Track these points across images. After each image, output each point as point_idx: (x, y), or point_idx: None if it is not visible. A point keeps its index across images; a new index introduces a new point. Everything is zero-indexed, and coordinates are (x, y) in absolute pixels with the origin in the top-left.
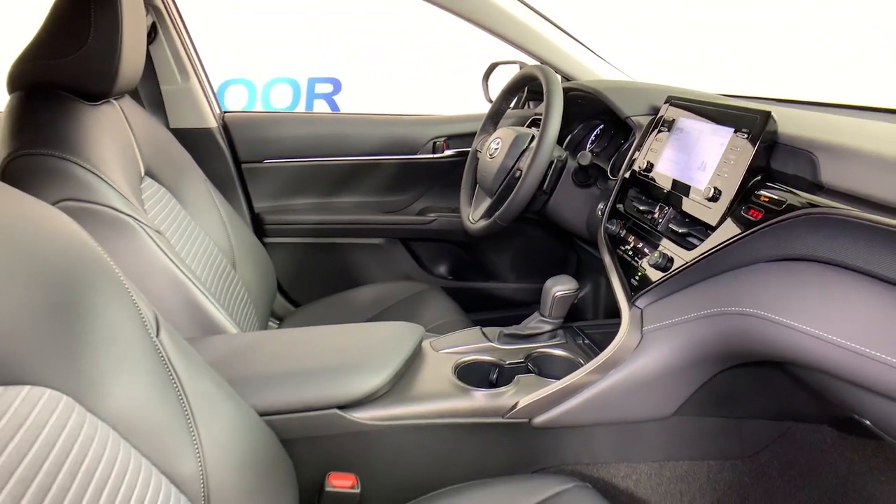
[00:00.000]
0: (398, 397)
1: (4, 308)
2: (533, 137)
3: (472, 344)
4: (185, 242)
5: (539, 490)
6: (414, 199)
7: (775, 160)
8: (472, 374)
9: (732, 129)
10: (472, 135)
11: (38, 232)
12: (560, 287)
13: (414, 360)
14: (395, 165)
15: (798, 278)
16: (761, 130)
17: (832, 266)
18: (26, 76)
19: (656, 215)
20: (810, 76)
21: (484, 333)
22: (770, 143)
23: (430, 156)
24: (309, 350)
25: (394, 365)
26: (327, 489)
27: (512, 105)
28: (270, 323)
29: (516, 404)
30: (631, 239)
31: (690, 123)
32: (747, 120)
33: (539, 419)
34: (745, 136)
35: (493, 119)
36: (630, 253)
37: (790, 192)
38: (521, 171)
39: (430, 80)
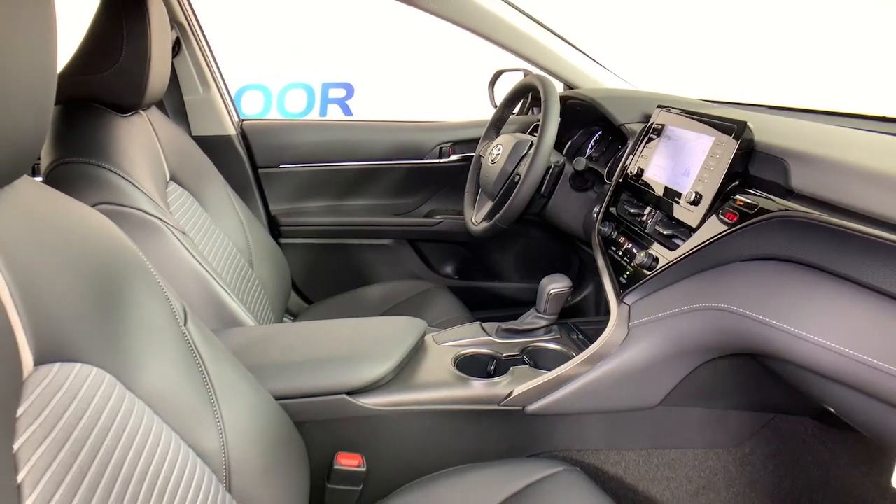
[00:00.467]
0: (402, 385)
1: (59, 297)
2: (532, 143)
3: (472, 338)
4: (207, 242)
5: (530, 472)
6: (421, 201)
7: (753, 166)
8: (471, 366)
9: (713, 137)
10: (476, 140)
11: (83, 232)
12: (554, 285)
13: (417, 352)
14: (404, 170)
15: (768, 277)
16: (738, 139)
17: (800, 265)
18: (66, 91)
19: (645, 218)
20: (813, 79)
21: (483, 328)
22: (746, 150)
23: (437, 160)
24: (320, 341)
25: (398, 355)
26: (336, 467)
27: (516, 111)
28: (285, 319)
29: (511, 393)
30: (622, 240)
31: (677, 131)
32: (726, 128)
33: (532, 407)
34: (724, 143)
35: (496, 125)
36: (620, 253)
37: (764, 196)
38: (520, 175)
39: (440, 85)
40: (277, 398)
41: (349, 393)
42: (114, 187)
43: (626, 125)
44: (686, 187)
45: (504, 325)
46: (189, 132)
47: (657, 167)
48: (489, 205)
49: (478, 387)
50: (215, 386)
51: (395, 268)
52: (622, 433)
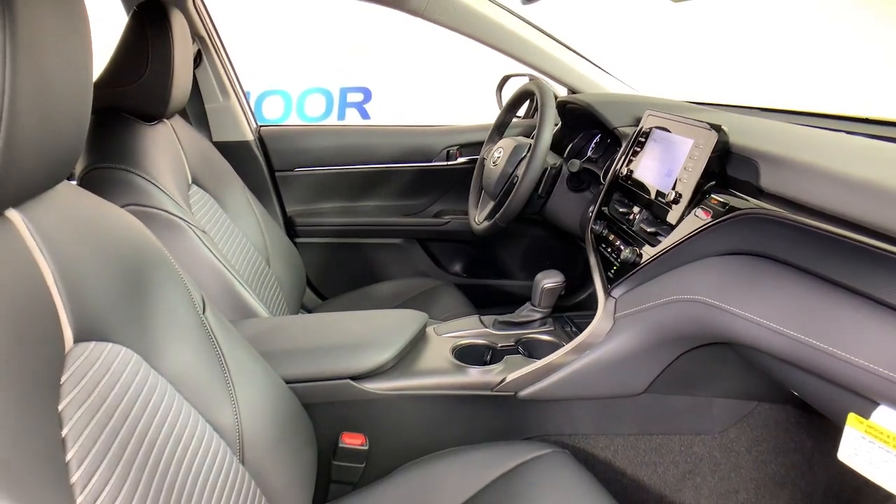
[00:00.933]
0: (403, 371)
1: (95, 285)
2: (530, 147)
3: (470, 329)
4: (227, 241)
5: (520, 454)
6: (430, 202)
7: (729, 167)
8: (468, 355)
9: (692, 140)
10: (482, 143)
11: (115, 230)
12: (548, 280)
13: (418, 342)
14: (413, 172)
15: (736, 269)
16: (714, 141)
17: (767, 259)
18: (98, 102)
19: (633, 217)
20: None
21: (481, 321)
22: (722, 152)
23: (445, 163)
24: (327, 331)
25: (399, 344)
26: (341, 445)
27: (522, 114)
28: (301, 314)
29: (504, 379)
30: (612, 238)
31: (663, 134)
32: (703, 132)
33: (524, 392)
34: (701, 146)
35: (499, 129)
36: (609, 250)
37: (737, 195)
38: (518, 177)
39: (453, 89)
40: (288, 382)
41: (354, 378)
42: (141, 190)
43: (619, 129)
44: (668, 187)
45: (501, 317)
46: (210, 138)
47: (645, 169)
48: (491, 205)
49: (473, 374)
50: (230, 368)
51: (405, 266)
52: (611, 419)
